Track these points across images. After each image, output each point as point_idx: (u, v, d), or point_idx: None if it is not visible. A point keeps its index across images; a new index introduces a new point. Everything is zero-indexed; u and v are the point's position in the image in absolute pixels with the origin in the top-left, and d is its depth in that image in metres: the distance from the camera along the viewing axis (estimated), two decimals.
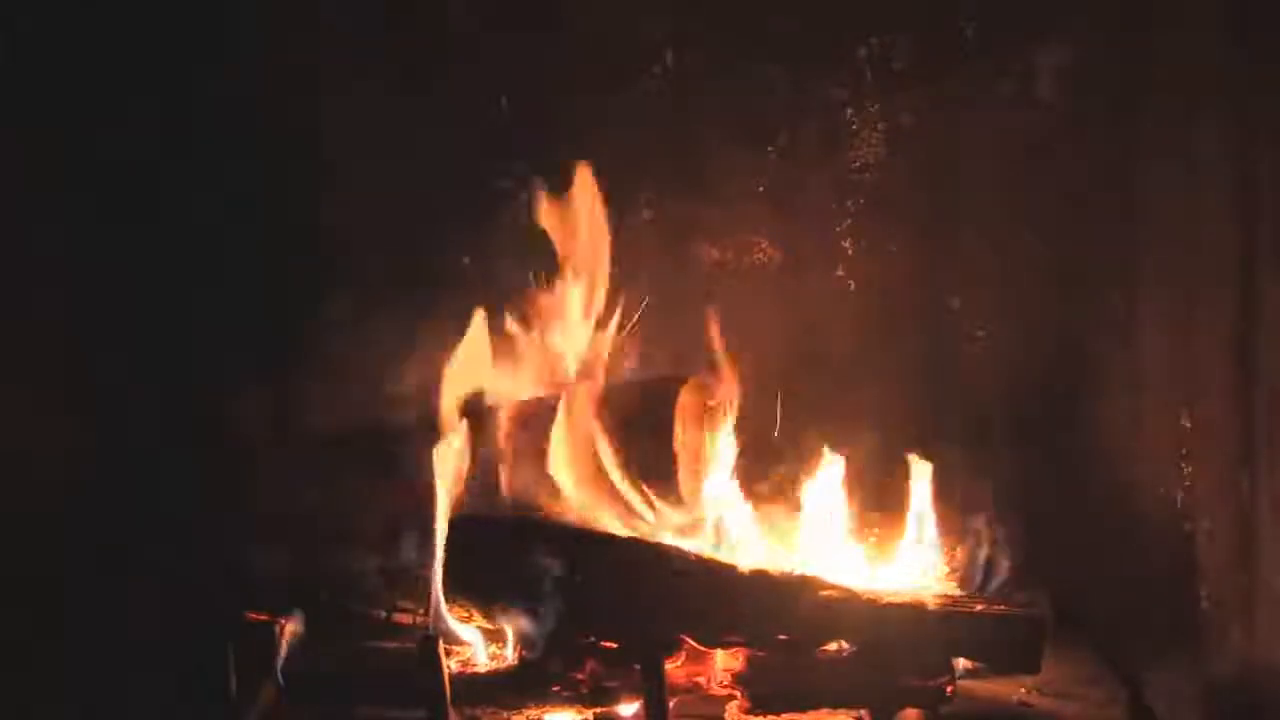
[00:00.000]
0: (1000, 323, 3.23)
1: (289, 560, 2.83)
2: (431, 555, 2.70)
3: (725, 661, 2.66)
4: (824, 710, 2.60)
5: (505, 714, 2.61)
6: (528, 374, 3.09)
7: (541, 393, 3.06)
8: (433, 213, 3.28)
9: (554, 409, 2.87)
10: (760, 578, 2.65)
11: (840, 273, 3.30)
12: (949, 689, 2.59)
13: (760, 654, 2.64)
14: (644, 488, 2.83)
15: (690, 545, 2.77)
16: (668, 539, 2.78)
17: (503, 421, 2.90)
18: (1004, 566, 2.87)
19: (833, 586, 2.65)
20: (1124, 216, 3.04)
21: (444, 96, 3.28)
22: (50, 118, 3.02)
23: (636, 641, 2.58)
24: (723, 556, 2.74)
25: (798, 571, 2.70)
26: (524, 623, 2.65)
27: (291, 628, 2.66)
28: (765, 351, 3.17)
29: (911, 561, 2.89)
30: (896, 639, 2.59)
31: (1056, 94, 3.16)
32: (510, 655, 2.69)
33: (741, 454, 2.97)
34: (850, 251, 3.29)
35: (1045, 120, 3.17)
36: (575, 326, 3.06)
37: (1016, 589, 2.84)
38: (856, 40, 3.24)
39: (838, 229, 3.29)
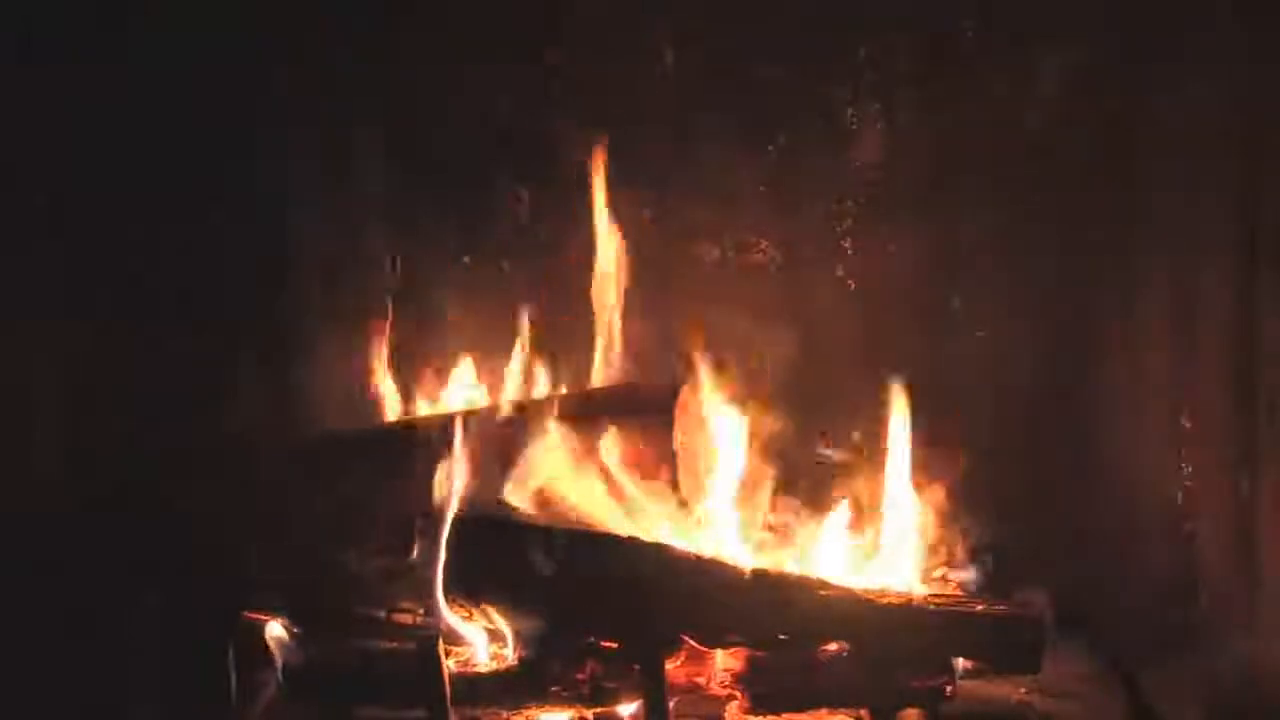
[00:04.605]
0: (1000, 323, 3.23)
1: (289, 561, 2.83)
2: (432, 555, 2.69)
3: (725, 661, 2.66)
4: (824, 710, 2.60)
5: (505, 714, 2.61)
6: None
7: (542, 395, 3.07)
8: (433, 213, 3.28)
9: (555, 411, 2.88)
10: (760, 578, 2.64)
11: (840, 273, 3.30)
12: (949, 689, 2.59)
13: (760, 654, 2.64)
14: (645, 488, 2.83)
15: (690, 545, 2.77)
16: (668, 539, 2.77)
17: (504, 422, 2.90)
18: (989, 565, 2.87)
19: (833, 586, 2.65)
20: (1124, 217, 3.04)
21: (443, 96, 3.28)
22: (53, 115, 3.02)
23: (636, 641, 2.58)
24: (723, 556, 2.74)
25: (798, 571, 2.70)
26: (524, 623, 2.64)
27: (275, 631, 2.65)
28: (764, 351, 3.18)
29: (910, 561, 2.88)
30: (896, 639, 2.59)
31: (1057, 93, 3.16)
32: (510, 655, 2.69)
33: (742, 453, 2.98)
34: (850, 251, 3.29)
35: (1045, 120, 3.17)
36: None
37: (1017, 588, 2.84)
38: (856, 40, 3.24)
39: (838, 229, 3.29)
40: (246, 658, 2.68)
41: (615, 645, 2.61)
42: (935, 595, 2.70)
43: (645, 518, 2.82)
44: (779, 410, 3.06)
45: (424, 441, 2.84)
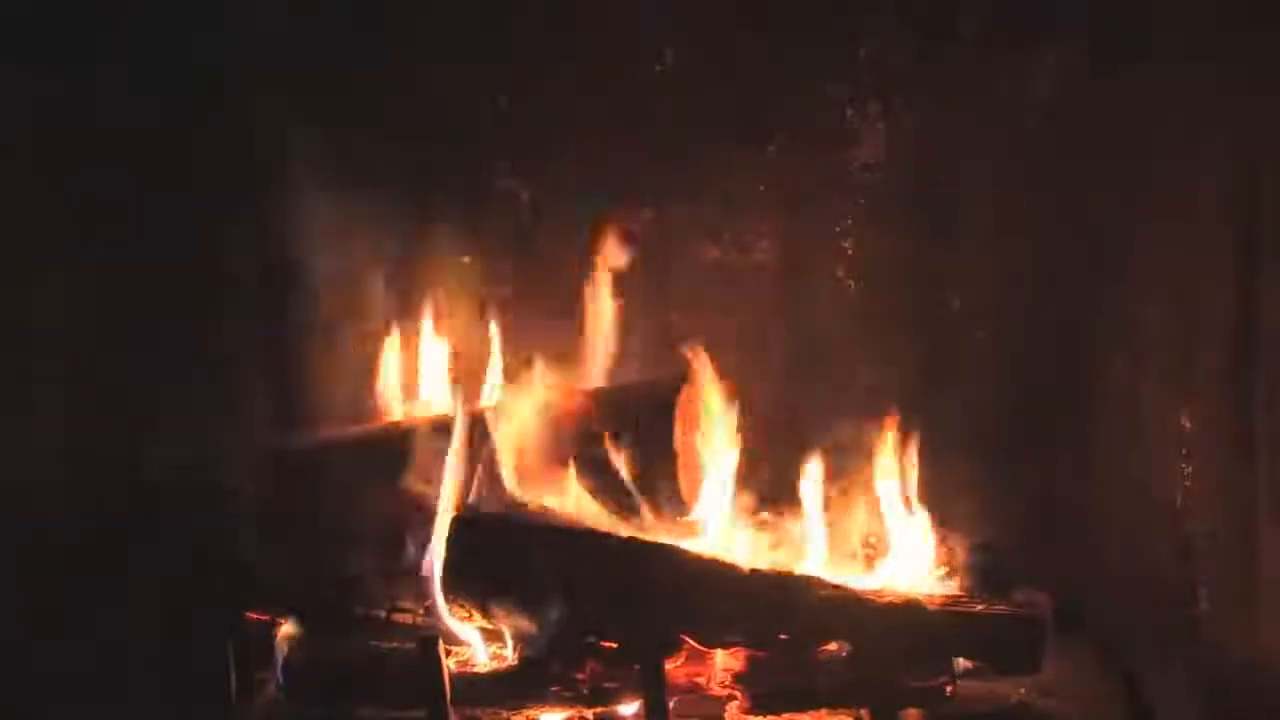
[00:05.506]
0: (1000, 323, 3.23)
1: (289, 560, 2.83)
2: (431, 555, 2.69)
3: (725, 661, 2.66)
4: (824, 710, 2.60)
5: (505, 714, 2.61)
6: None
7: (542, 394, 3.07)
8: (432, 212, 3.28)
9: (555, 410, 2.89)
10: (760, 578, 2.65)
11: (840, 273, 3.30)
12: (949, 689, 2.59)
13: (760, 654, 2.64)
14: (644, 487, 2.83)
15: (690, 545, 2.77)
16: (668, 539, 2.77)
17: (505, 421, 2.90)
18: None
19: (833, 586, 2.65)
20: (1124, 216, 3.04)
21: (443, 96, 3.28)
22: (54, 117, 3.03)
23: (636, 641, 2.58)
24: (723, 556, 2.74)
25: (798, 571, 2.70)
26: (524, 623, 2.64)
27: (286, 629, 2.66)
28: (764, 351, 3.18)
29: (910, 561, 2.88)
30: (896, 639, 2.59)
31: (1056, 94, 3.16)
32: (510, 655, 2.69)
33: (742, 453, 2.98)
34: (850, 251, 3.29)
35: (1045, 120, 3.16)
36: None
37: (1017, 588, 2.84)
38: (856, 40, 3.24)
39: (838, 229, 3.29)
40: (246, 658, 2.68)
41: (615, 645, 2.62)
42: (935, 595, 2.70)
43: (645, 517, 2.82)
44: (779, 409, 3.07)
45: (423, 442, 2.84)
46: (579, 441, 2.84)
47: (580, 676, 2.60)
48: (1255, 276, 2.70)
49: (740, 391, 2.97)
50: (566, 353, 3.10)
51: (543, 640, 2.63)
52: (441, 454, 2.78)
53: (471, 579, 2.70)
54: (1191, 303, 2.85)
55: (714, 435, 2.95)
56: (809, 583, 2.64)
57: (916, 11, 3.21)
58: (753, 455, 2.99)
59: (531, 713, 2.61)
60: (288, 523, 2.87)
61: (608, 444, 2.83)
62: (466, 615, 2.72)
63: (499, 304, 3.23)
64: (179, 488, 2.93)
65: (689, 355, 2.92)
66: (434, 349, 3.25)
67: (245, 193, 3.20)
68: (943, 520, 2.93)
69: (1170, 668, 2.74)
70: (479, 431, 2.83)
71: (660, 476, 2.85)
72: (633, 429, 2.85)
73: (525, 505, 2.78)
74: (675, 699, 2.57)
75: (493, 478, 2.80)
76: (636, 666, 2.55)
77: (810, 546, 2.89)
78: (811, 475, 2.94)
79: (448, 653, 2.61)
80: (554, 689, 2.61)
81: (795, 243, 3.31)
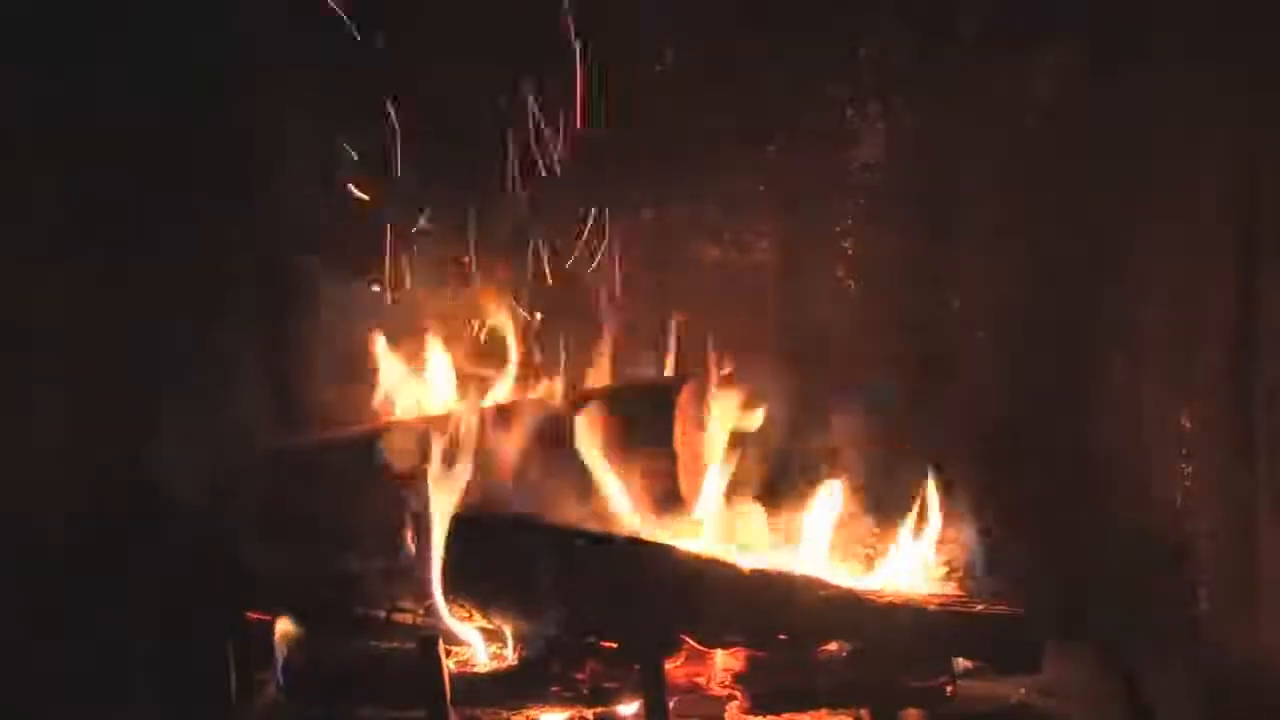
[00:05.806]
0: (1000, 323, 3.23)
1: (289, 560, 2.83)
2: (430, 555, 2.69)
3: (725, 661, 2.66)
4: (824, 710, 2.60)
5: (505, 714, 2.61)
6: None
7: (541, 394, 3.07)
8: (432, 213, 3.28)
9: (553, 409, 2.89)
10: (760, 578, 2.65)
11: (840, 273, 3.30)
12: (949, 689, 2.59)
13: (760, 654, 2.64)
14: (644, 488, 2.83)
15: (690, 545, 2.77)
16: (668, 539, 2.77)
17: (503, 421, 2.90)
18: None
19: (833, 586, 2.65)
20: (1124, 216, 3.04)
21: (442, 96, 3.27)
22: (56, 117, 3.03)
23: (636, 641, 2.58)
24: (723, 556, 2.74)
25: (798, 571, 2.70)
26: (524, 623, 2.64)
27: (283, 628, 2.66)
28: (764, 352, 3.18)
29: (911, 562, 2.88)
30: (896, 639, 2.59)
31: (1056, 94, 3.16)
32: (510, 655, 2.69)
33: (742, 454, 2.98)
34: (850, 251, 3.29)
35: (1045, 120, 3.17)
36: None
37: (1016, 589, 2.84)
38: (856, 40, 3.24)
39: (838, 229, 3.29)
40: (246, 658, 2.68)
41: (615, 645, 2.62)
42: (935, 595, 2.71)
43: (645, 517, 2.82)
44: (779, 410, 3.07)
45: (423, 442, 2.84)
46: (579, 441, 2.84)
47: (580, 676, 2.60)
48: (1255, 276, 2.70)
49: (740, 391, 2.98)
50: (567, 352, 3.11)
51: (543, 640, 2.63)
52: (441, 454, 2.78)
53: (471, 579, 2.70)
54: (1191, 303, 2.85)
55: (714, 435, 2.95)
56: (809, 583, 2.64)
57: (916, 11, 3.21)
58: (752, 455, 2.99)
59: (531, 713, 2.61)
60: (288, 523, 2.87)
61: (609, 443, 2.83)
62: (466, 615, 2.72)
63: (498, 303, 3.22)
64: (179, 488, 2.93)
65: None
66: (433, 349, 3.24)
67: (245, 193, 3.20)
68: (943, 521, 2.93)
69: (1170, 668, 2.74)
70: (478, 431, 2.83)
71: (660, 476, 2.85)
72: (634, 428, 2.85)
73: (525, 505, 2.78)
74: (675, 699, 2.57)
75: (493, 477, 2.81)
76: (636, 666, 2.55)
77: (810, 546, 2.89)
78: (811, 475, 2.94)
79: (448, 653, 2.61)
80: (554, 689, 2.61)
81: (795, 243, 3.31)
